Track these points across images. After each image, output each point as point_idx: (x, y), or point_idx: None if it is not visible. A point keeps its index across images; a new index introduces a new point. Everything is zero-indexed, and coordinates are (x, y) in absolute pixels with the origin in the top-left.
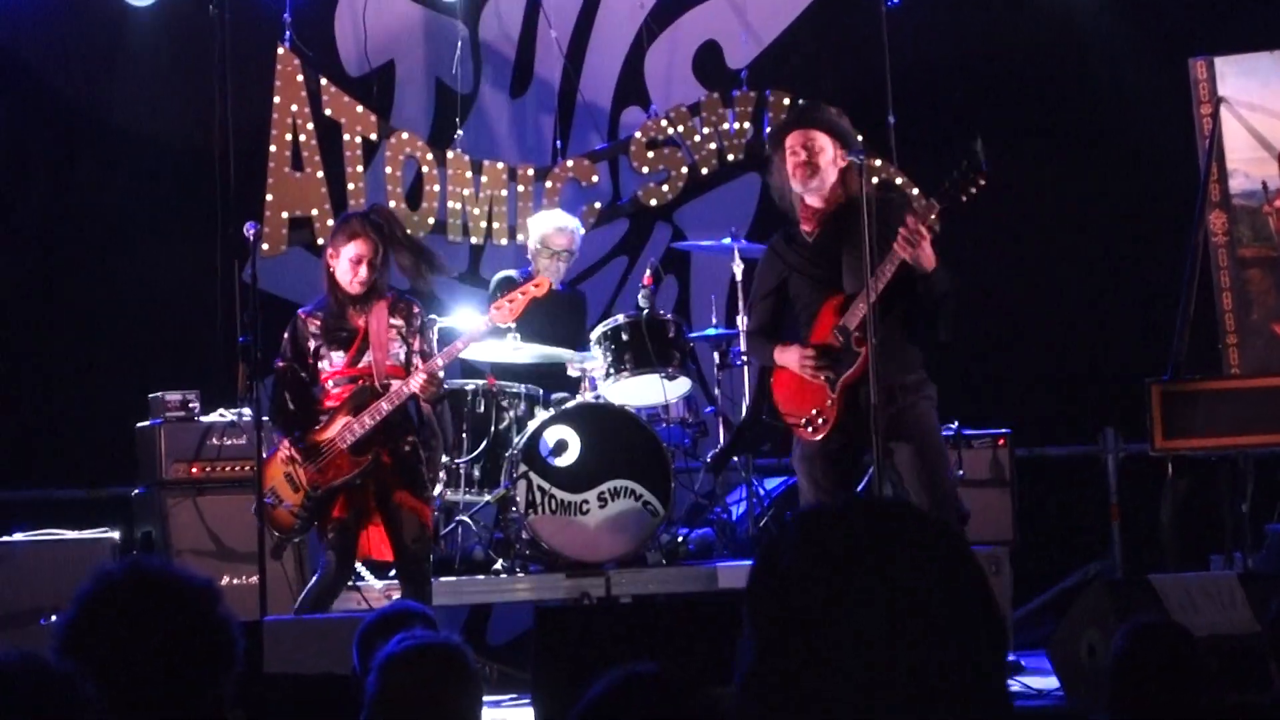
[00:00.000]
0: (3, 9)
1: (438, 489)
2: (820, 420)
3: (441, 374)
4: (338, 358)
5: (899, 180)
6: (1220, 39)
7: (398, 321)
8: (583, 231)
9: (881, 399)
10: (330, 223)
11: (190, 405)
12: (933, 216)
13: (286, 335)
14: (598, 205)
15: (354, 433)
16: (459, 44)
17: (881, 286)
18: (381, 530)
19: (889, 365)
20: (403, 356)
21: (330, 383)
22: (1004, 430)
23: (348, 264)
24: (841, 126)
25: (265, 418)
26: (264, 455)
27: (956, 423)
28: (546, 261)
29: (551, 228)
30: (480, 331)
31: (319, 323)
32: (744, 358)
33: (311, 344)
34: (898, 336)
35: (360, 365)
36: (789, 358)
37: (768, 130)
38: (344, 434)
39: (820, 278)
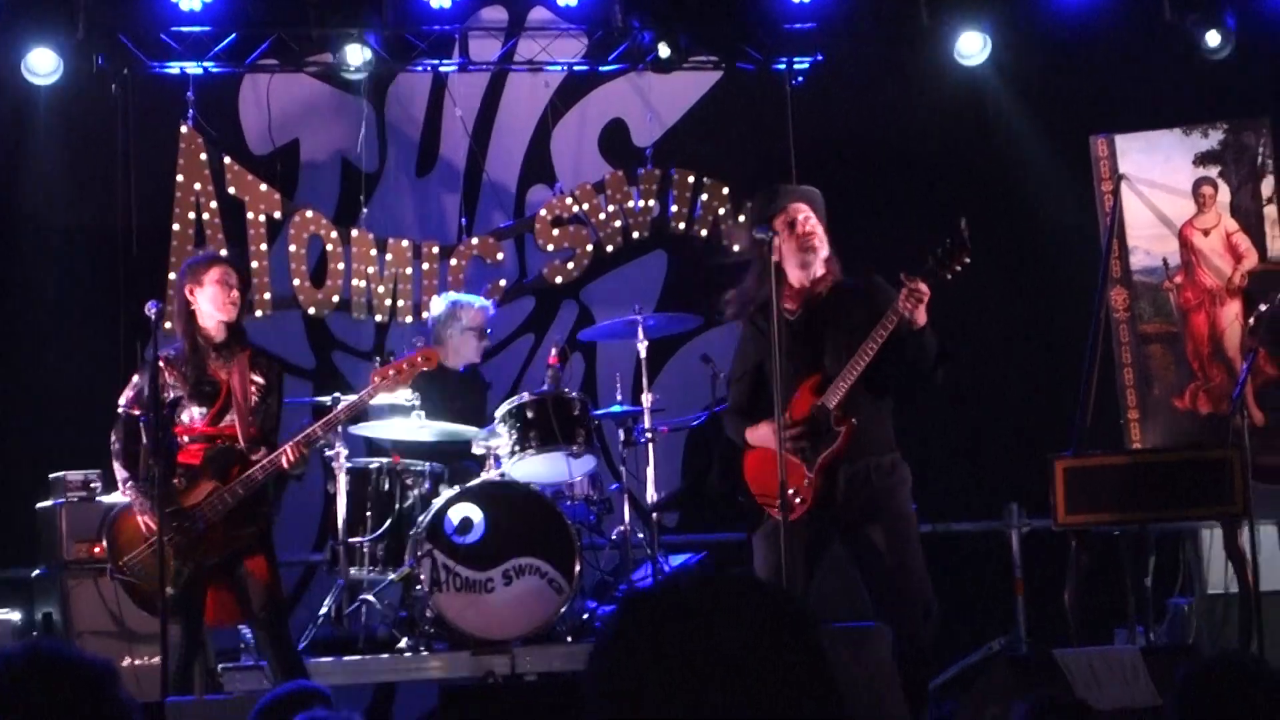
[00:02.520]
0: None
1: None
2: (797, 500)
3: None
4: (198, 413)
5: None
6: (1121, 117)
7: (259, 379)
8: (493, 311)
9: (859, 481)
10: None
11: (92, 485)
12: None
13: (138, 378)
14: (503, 283)
15: (225, 503)
16: (364, 123)
17: (865, 363)
18: (225, 594)
19: (866, 445)
20: (261, 417)
21: (187, 438)
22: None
23: (217, 288)
24: (818, 201)
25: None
26: (114, 513)
27: None
28: (475, 343)
29: (478, 308)
30: (367, 395)
31: (178, 373)
32: (648, 435)
33: (170, 394)
34: (875, 416)
35: (222, 424)
36: (763, 434)
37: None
38: (213, 503)
39: (801, 356)
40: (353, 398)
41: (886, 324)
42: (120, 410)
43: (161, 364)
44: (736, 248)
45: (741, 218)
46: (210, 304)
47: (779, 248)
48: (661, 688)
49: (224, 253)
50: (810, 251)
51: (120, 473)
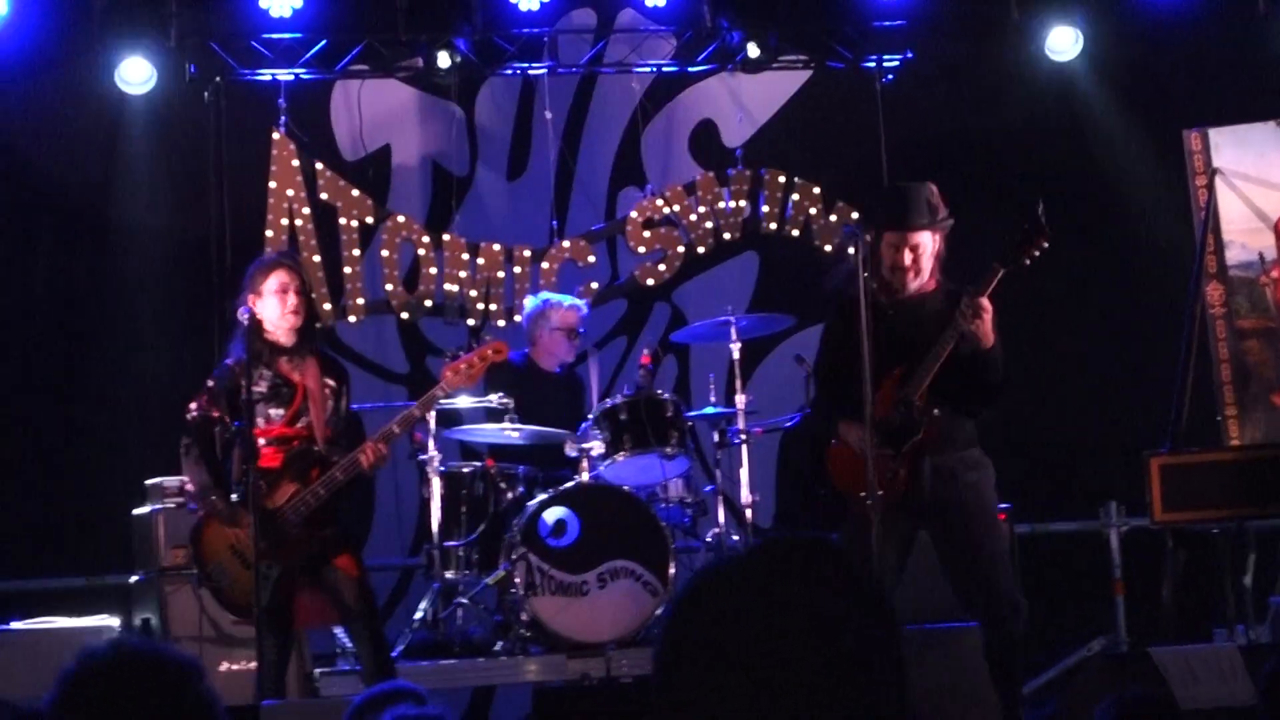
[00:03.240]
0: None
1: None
2: (881, 493)
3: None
4: (275, 415)
5: None
6: (1214, 110)
7: (331, 381)
8: (586, 311)
9: (944, 475)
10: (327, 306)
11: (188, 490)
12: (995, 281)
13: (213, 383)
14: (595, 286)
15: (308, 504)
16: (454, 127)
17: (939, 359)
18: (315, 596)
19: (951, 439)
20: (335, 418)
21: (263, 440)
22: (1004, 505)
23: (275, 298)
24: (939, 216)
25: (191, 478)
26: (199, 521)
27: None
28: (565, 342)
29: (568, 306)
30: (437, 395)
31: (252, 378)
32: (742, 436)
33: (244, 397)
34: (956, 413)
35: (298, 425)
36: (853, 435)
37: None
38: (296, 505)
39: (888, 348)
40: (427, 395)
41: (952, 333)
42: (193, 415)
43: (235, 369)
44: (828, 247)
45: (834, 217)
46: (271, 313)
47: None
48: (711, 691)
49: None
50: (901, 282)
51: (199, 478)
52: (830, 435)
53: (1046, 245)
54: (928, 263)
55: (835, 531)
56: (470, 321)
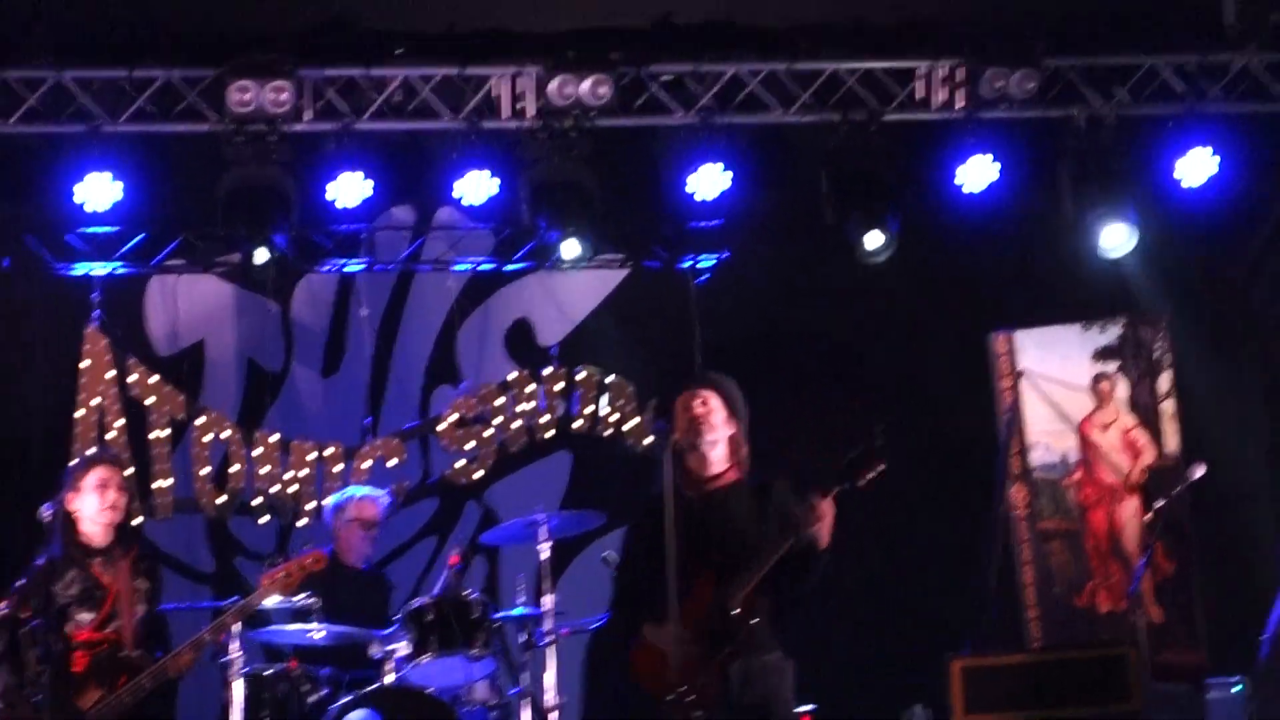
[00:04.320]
0: None
1: None
2: (691, 697)
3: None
4: (85, 619)
5: None
6: (1020, 312)
7: (143, 583)
8: (387, 501)
9: (750, 679)
10: (135, 503)
11: None
12: (830, 496)
13: (25, 582)
14: (406, 484)
15: (113, 710)
16: (270, 322)
17: (763, 572)
18: None
19: (756, 641)
20: (147, 622)
21: (71, 644)
22: (809, 708)
23: (94, 494)
24: (732, 392)
25: None
26: None
27: None
28: (361, 534)
29: (362, 498)
30: (253, 604)
31: (63, 580)
32: (549, 637)
33: (59, 601)
34: (767, 617)
35: (108, 629)
36: (663, 636)
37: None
38: (101, 711)
39: (695, 547)
40: (242, 604)
41: (784, 539)
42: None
43: (46, 568)
44: (640, 446)
45: (647, 415)
46: (89, 509)
47: (676, 438)
48: None
49: (111, 450)
50: (696, 435)
51: (2, 679)
52: (633, 635)
53: (882, 469)
54: (720, 421)
55: None
56: (280, 521)
